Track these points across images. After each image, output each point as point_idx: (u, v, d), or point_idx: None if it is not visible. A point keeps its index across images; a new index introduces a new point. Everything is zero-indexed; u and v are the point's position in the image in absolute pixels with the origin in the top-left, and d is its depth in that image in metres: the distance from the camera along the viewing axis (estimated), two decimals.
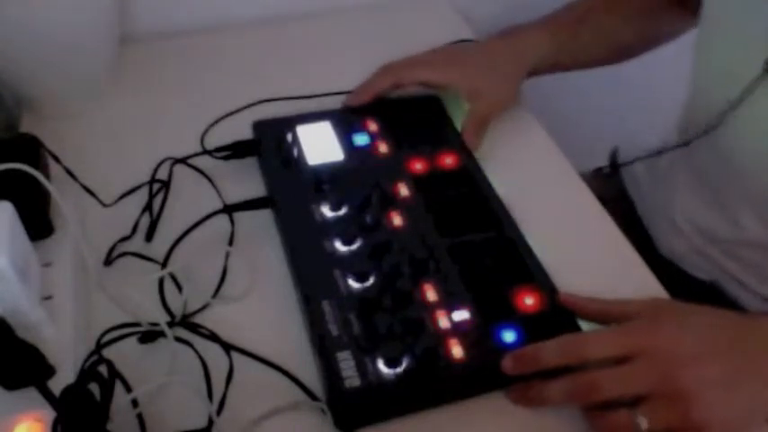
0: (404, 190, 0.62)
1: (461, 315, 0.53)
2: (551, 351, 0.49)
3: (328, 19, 0.88)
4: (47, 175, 0.56)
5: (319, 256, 0.56)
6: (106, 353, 0.48)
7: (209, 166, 0.66)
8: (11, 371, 0.45)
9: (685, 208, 0.74)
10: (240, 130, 0.68)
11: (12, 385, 0.46)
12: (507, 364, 0.50)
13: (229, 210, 0.62)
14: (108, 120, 0.73)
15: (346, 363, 0.49)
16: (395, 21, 0.89)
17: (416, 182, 0.63)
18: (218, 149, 0.66)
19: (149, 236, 0.61)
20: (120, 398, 0.46)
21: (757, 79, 0.58)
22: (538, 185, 0.67)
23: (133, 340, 0.53)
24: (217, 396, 0.51)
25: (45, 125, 0.69)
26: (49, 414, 0.43)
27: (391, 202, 0.61)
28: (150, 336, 0.53)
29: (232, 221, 0.62)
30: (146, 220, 0.62)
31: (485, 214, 0.61)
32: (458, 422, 0.50)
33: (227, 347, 0.53)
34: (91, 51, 0.72)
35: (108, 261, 0.59)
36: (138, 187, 0.65)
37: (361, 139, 0.67)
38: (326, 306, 0.53)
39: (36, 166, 0.52)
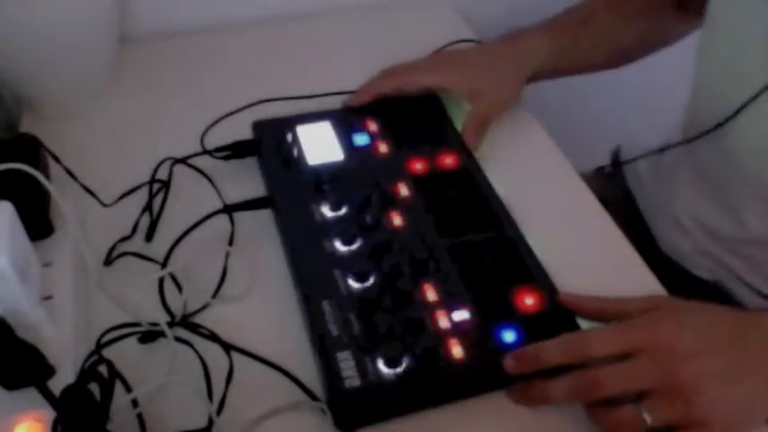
0: (404, 190, 0.62)
1: (461, 315, 0.53)
2: (553, 350, 0.49)
3: (328, 19, 0.88)
4: (47, 175, 0.56)
5: (319, 256, 0.56)
6: (106, 353, 0.48)
7: (209, 166, 0.66)
8: (11, 371, 0.45)
9: (689, 206, 0.73)
10: (240, 130, 0.68)
11: (12, 385, 0.46)
12: (509, 363, 0.50)
13: (229, 210, 0.62)
14: (108, 120, 0.73)
15: (346, 363, 0.49)
16: (395, 21, 0.89)
17: (416, 182, 0.63)
18: (218, 149, 0.66)
19: (149, 236, 0.61)
20: (120, 398, 0.46)
21: (762, 79, 0.58)
22: (538, 185, 0.67)
23: (133, 340, 0.53)
24: (217, 396, 0.51)
25: (45, 125, 0.69)
26: (49, 414, 0.43)
27: (391, 202, 0.61)
28: (150, 336, 0.53)
29: (232, 221, 0.62)
30: (146, 220, 0.62)
31: (485, 214, 0.61)
32: (458, 422, 0.50)
33: (227, 347, 0.53)
34: (91, 51, 0.72)
35: (108, 261, 0.59)
36: (138, 187, 0.65)
37: (361, 139, 0.67)
38: (326, 306, 0.53)
39: (36, 166, 0.52)
